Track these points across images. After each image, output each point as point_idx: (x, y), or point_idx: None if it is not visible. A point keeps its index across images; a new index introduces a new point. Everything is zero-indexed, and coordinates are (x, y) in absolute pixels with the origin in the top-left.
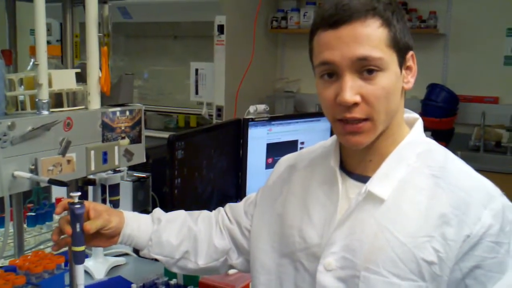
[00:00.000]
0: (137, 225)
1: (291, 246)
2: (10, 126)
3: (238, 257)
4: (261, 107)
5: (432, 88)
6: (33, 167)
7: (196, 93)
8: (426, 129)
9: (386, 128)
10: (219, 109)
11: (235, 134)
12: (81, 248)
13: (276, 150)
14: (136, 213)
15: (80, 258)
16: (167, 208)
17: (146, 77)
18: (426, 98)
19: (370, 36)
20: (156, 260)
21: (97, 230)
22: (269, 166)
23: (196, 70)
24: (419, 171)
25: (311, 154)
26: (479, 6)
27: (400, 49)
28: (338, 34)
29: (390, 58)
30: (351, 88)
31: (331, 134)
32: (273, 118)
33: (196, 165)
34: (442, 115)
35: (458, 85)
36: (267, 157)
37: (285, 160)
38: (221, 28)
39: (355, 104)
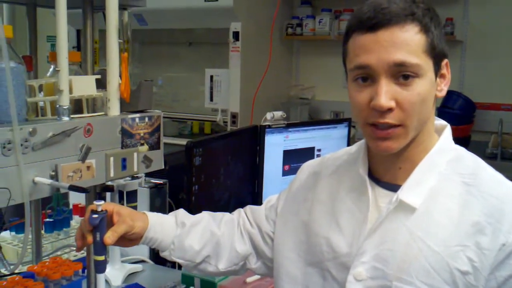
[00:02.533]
0: (161, 229)
1: (319, 255)
2: (31, 132)
3: (257, 261)
4: (278, 113)
5: (449, 95)
6: (53, 173)
7: (211, 99)
8: None
9: (417, 136)
10: (234, 116)
11: (252, 140)
12: (102, 258)
13: (292, 157)
14: (160, 215)
15: (101, 267)
16: None
17: (161, 84)
18: (442, 105)
19: (408, 42)
20: (173, 266)
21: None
22: (286, 173)
23: (211, 77)
24: (450, 179)
25: (336, 161)
26: (496, 13)
27: (436, 56)
28: (376, 37)
29: (426, 64)
30: (387, 93)
31: (348, 141)
32: (290, 125)
33: (213, 172)
34: (459, 123)
35: (475, 92)
36: (284, 164)
37: (309, 166)
38: (236, 35)
39: (389, 110)
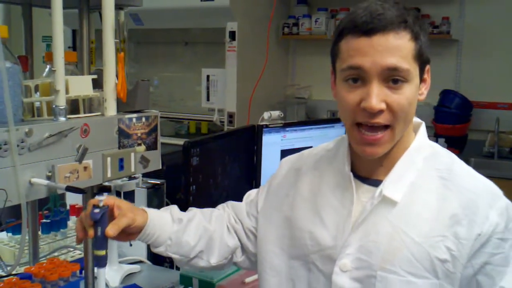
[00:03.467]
0: (159, 224)
1: (303, 248)
2: (27, 133)
3: (242, 255)
4: (275, 113)
5: (445, 94)
6: (50, 174)
7: (208, 99)
8: (439, 135)
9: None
10: (231, 116)
11: (249, 140)
12: (103, 252)
13: None
14: (158, 212)
15: (102, 262)
16: None
17: (157, 84)
18: (439, 104)
19: (401, 48)
20: (171, 266)
21: None
22: None
23: (208, 77)
24: (427, 174)
25: (315, 157)
26: (493, 12)
27: (422, 63)
28: (371, 42)
29: (414, 70)
30: (378, 95)
31: None
32: (287, 125)
33: (211, 172)
34: (455, 122)
35: (472, 91)
36: None
37: (287, 161)
38: (232, 35)
39: (380, 111)
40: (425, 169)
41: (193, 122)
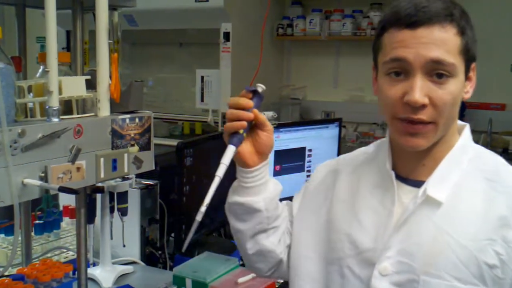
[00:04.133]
0: (267, 174)
1: (339, 252)
2: (20, 134)
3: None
4: (269, 114)
5: None
6: (43, 174)
7: (202, 100)
8: None
9: (444, 134)
10: (225, 116)
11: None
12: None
13: (284, 157)
14: None
15: (236, 140)
16: (175, 216)
17: (151, 85)
18: None
19: (447, 41)
20: (164, 267)
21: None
22: (277, 173)
23: (202, 78)
24: (472, 175)
25: (354, 160)
26: (486, 13)
27: (468, 59)
28: (415, 34)
29: (460, 65)
30: (421, 89)
31: (339, 141)
32: (281, 125)
33: (204, 172)
34: None
35: None
36: (275, 164)
37: (325, 166)
38: (227, 36)
39: (423, 106)
40: (470, 170)
41: (187, 123)
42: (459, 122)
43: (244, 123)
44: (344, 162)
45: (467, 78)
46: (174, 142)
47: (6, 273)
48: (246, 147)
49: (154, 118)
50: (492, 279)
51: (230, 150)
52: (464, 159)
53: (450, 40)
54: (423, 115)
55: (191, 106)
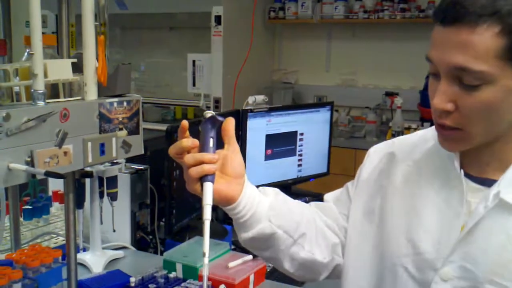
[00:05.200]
0: (256, 191)
1: (394, 248)
2: (5, 117)
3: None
4: (260, 97)
5: None
6: (29, 159)
7: (194, 84)
8: (425, 119)
9: (504, 135)
10: (217, 101)
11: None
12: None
13: (275, 141)
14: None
15: (211, 176)
16: (166, 200)
17: (143, 69)
18: (425, 88)
19: (476, 45)
20: (155, 252)
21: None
22: (268, 157)
23: (193, 62)
24: None
25: (411, 145)
26: None
27: None
28: (444, 33)
29: (499, 71)
30: (443, 94)
31: (331, 125)
32: (272, 109)
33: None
34: None
35: None
36: (266, 148)
37: (377, 149)
38: (218, 19)
39: (447, 112)
40: None
41: (179, 107)
42: None
43: (206, 168)
44: (400, 146)
45: None
46: (165, 127)
47: None
48: (221, 181)
49: (146, 103)
50: None
51: (209, 188)
52: None
53: (481, 42)
54: (447, 121)
55: (183, 91)
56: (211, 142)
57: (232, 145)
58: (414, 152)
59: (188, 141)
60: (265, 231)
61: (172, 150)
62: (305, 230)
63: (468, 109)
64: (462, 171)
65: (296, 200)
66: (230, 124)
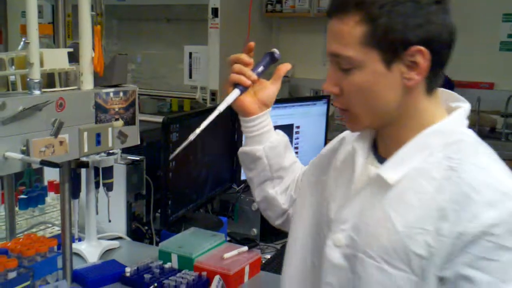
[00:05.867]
0: (271, 125)
1: (320, 216)
2: (0, 106)
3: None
4: None
5: None
6: (24, 148)
7: (190, 77)
8: None
9: (399, 118)
10: (213, 93)
11: (230, 117)
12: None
13: None
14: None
15: (243, 87)
16: (161, 192)
17: (139, 61)
18: None
19: (344, 33)
20: (151, 242)
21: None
22: None
23: (190, 54)
24: (439, 162)
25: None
26: None
27: (387, 46)
28: (329, 25)
29: (366, 56)
30: (330, 78)
31: (327, 118)
32: None
33: (191, 148)
34: None
35: (453, 70)
36: None
37: (343, 133)
38: (215, 11)
39: (336, 94)
40: (440, 156)
41: (176, 100)
42: (457, 104)
43: (243, 79)
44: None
45: (406, 64)
46: (161, 119)
47: None
48: (248, 96)
49: (142, 94)
50: (420, 268)
51: (235, 93)
52: (437, 144)
53: (347, 31)
54: (337, 103)
55: (179, 83)
56: (260, 68)
57: (275, 82)
58: (354, 135)
59: (246, 57)
60: (256, 153)
61: (233, 56)
62: (285, 176)
63: (347, 92)
64: (360, 149)
65: (295, 156)
66: (284, 67)
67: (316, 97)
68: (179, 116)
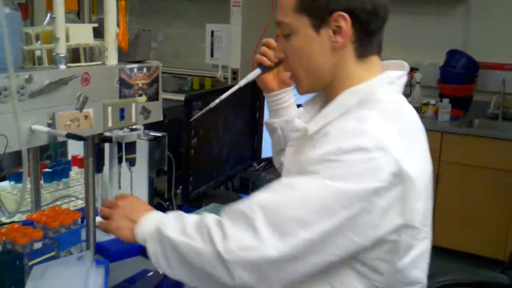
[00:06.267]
0: (293, 103)
1: None
2: (27, 80)
3: None
4: None
5: (452, 54)
6: (50, 121)
7: (212, 55)
8: (444, 95)
9: (333, 81)
10: (235, 72)
11: (251, 95)
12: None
13: None
14: None
15: (264, 67)
16: (183, 169)
17: (161, 39)
18: (445, 64)
19: (283, 2)
20: None
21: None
22: None
23: (212, 32)
24: (352, 118)
25: None
26: None
27: (315, 12)
28: None
29: (299, 22)
30: (278, 46)
31: None
32: None
33: (212, 126)
34: (461, 82)
35: (479, 51)
36: None
37: None
38: None
39: (283, 59)
40: (354, 112)
41: (197, 78)
42: (390, 71)
43: (264, 59)
44: None
45: (332, 28)
46: (183, 97)
47: (16, 219)
48: (269, 75)
49: (163, 73)
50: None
51: (256, 71)
52: (352, 102)
53: (286, 0)
54: (285, 67)
55: (200, 62)
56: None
57: None
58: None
59: (273, 41)
60: (272, 125)
61: (264, 39)
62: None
63: (289, 56)
64: (304, 106)
65: None
66: None
67: None
68: (201, 94)
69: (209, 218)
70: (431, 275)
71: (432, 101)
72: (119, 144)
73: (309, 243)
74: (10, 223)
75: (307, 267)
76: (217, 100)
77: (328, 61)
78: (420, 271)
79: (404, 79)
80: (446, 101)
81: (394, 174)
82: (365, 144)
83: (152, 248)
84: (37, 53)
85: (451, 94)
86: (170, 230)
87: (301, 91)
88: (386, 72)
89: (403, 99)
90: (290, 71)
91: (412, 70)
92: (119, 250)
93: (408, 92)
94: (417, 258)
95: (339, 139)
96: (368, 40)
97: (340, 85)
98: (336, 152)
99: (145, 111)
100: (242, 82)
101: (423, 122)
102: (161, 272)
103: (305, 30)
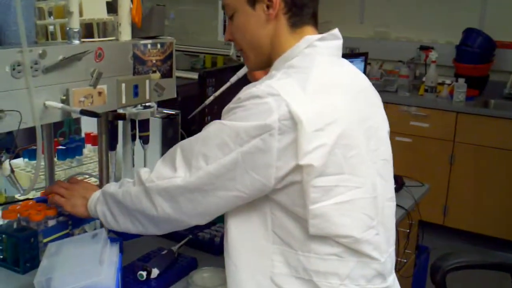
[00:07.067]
0: None
1: None
2: (41, 55)
3: None
4: None
5: (468, 33)
6: (64, 97)
7: (224, 33)
8: (459, 75)
9: (273, 53)
10: None
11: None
12: None
13: None
14: None
15: None
16: None
17: (173, 17)
18: (461, 43)
19: None
20: None
21: None
22: None
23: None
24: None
25: None
26: None
27: None
28: None
29: (237, 2)
30: (228, 29)
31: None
32: None
33: (227, 103)
34: (477, 61)
35: (496, 30)
36: None
37: None
38: None
39: (231, 40)
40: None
41: (209, 56)
42: (325, 40)
43: None
44: None
45: (265, 3)
46: (195, 75)
47: (31, 196)
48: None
49: (176, 50)
50: None
51: (245, 68)
52: (281, 67)
53: None
54: (236, 47)
55: (212, 40)
56: None
57: None
58: None
59: None
60: None
61: None
62: None
63: (234, 34)
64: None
65: None
66: None
67: (353, 55)
68: (215, 71)
69: (143, 168)
70: (444, 256)
71: (448, 81)
72: (133, 122)
73: (211, 176)
74: (24, 200)
75: (216, 199)
76: (211, 97)
77: (266, 33)
78: (349, 219)
79: (330, 42)
80: (461, 80)
81: (285, 115)
82: (259, 92)
83: (100, 210)
84: (50, 28)
85: (467, 74)
86: (111, 187)
87: (249, 66)
88: (305, 37)
89: (330, 60)
90: (239, 48)
91: (427, 48)
92: None
93: (423, 71)
94: (343, 205)
95: (240, 92)
96: (299, 12)
97: (276, 56)
98: (235, 101)
99: (159, 88)
100: (233, 79)
101: (437, 101)
102: (109, 230)
103: (243, 8)
